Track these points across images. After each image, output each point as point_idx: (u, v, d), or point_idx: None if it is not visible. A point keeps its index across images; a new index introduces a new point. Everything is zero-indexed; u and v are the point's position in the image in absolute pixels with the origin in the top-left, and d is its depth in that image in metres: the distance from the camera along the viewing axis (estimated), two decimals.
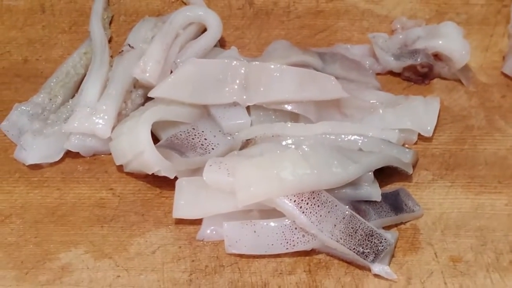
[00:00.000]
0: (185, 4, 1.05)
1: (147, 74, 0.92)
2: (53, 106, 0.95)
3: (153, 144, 0.87)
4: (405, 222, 0.88)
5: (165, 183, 0.89)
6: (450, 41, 0.97)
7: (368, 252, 0.82)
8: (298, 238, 0.84)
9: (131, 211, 0.89)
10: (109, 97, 0.92)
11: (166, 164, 0.88)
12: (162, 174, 0.88)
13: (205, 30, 0.98)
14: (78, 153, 0.92)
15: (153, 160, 0.87)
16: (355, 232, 0.83)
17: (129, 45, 0.96)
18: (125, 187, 0.91)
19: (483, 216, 0.88)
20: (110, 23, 1.04)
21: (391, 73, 0.99)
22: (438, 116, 0.94)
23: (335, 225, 0.83)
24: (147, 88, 0.93)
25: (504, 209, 0.89)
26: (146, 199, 0.90)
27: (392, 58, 0.97)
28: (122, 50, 0.96)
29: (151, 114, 0.89)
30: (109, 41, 1.01)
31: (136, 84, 0.94)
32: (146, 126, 0.88)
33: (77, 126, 0.90)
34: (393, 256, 0.85)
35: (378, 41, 0.99)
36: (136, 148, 0.87)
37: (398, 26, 1.02)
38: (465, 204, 0.89)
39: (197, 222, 0.87)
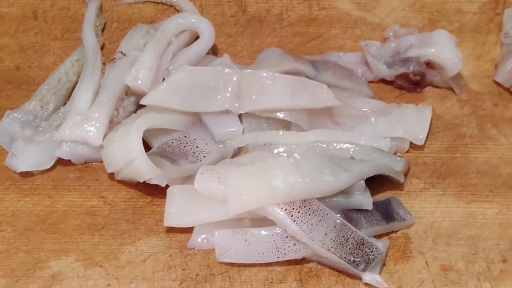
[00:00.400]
0: (178, 11, 1.05)
1: (139, 82, 0.92)
2: (45, 113, 0.94)
3: (144, 152, 0.87)
4: (397, 231, 0.88)
5: (157, 191, 0.89)
6: (443, 49, 0.97)
7: (359, 261, 0.82)
8: (289, 246, 0.84)
9: (122, 219, 0.89)
10: (101, 104, 0.92)
11: (158, 172, 0.87)
12: (154, 182, 0.88)
13: (197, 37, 0.98)
14: (69, 160, 0.92)
15: (144, 168, 0.87)
16: (346, 241, 0.83)
17: (121, 52, 0.96)
18: (116, 195, 0.91)
19: (475, 225, 0.88)
20: (103, 30, 1.03)
21: (384, 81, 0.99)
22: (430, 125, 0.94)
23: (326, 234, 0.83)
24: (139, 95, 0.93)
25: (495, 218, 0.89)
26: (137, 207, 0.90)
27: (385, 66, 0.97)
28: (114, 58, 0.95)
29: (142, 121, 0.89)
30: (102, 48, 1.01)
31: (128, 92, 0.94)
32: (138, 134, 0.88)
33: (68, 134, 0.90)
34: (384, 265, 0.85)
35: (371, 49, 0.99)
36: (127, 155, 0.87)
37: (391, 34, 1.02)
38: (456, 213, 0.89)
39: (188, 230, 0.87)
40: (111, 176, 0.91)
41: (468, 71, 1.00)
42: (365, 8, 1.05)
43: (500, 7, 1.05)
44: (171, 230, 0.87)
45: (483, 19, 1.04)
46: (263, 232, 0.84)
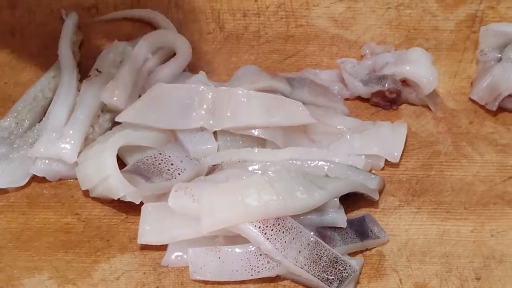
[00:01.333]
0: (155, 28, 1.04)
1: (115, 99, 0.92)
2: (20, 130, 0.94)
3: (118, 169, 0.87)
4: (371, 248, 0.88)
5: (131, 209, 0.89)
6: (418, 67, 0.97)
7: (333, 278, 0.82)
8: (262, 264, 0.84)
9: (96, 237, 0.88)
10: (76, 121, 0.92)
11: (132, 189, 0.87)
12: (128, 199, 0.88)
13: (174, 54, 0.98)
14: (44, 177, 0.92)
15: (118, 185, 0.87)
16: (320, 259, 0.83)
17: (97, 69, 0.96)
18: (91, 212, 0.90)
19: (449, 242, 0.88)
20: (80, 46, 1.03)
21: (360, 98, 0.99)
22: (406, 142, 0.95)
23: (299, 252, 0.83)
24: (115, 112, 0.93)
25: (469, 236, 0.89)
26: (111, 224, 0.90)
27: (361, 84, 0.97)
28: (90, 75, 0.95)
29: (117, 139, 0.89)
30: (78, 65, 1.00)
31: (103, 109, 0.94)
32: (112, 151, 0.88)
33: (43, 151, 0.90)
34: (358, 282, 0.85)
35: (347, 66, 0.99)
36: (101, 173, 0.87)
37: (367, 51, 1.02)
38: (431, 231, 0.89)
39: (162, 248, 0.87)
40: (86, 193, 0.91)
41: (444, 88, 1.00)
42: (342, 26, 1.05)
43: (476, 25, 1.05)
44: (145, 247, 0.87)
45: (460, 37, 1.04)
46: (237, 250, 0.84)
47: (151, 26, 1.05)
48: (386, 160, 0.93)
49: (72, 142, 0.90)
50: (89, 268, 0.86)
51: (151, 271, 0.86)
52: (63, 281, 0.85)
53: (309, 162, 0.90)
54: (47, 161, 0.91)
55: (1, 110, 0.97)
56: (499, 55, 1.00)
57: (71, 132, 0.91)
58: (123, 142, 0.89)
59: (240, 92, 0.91)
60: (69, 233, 0.89)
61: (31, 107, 0.96)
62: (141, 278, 0.86)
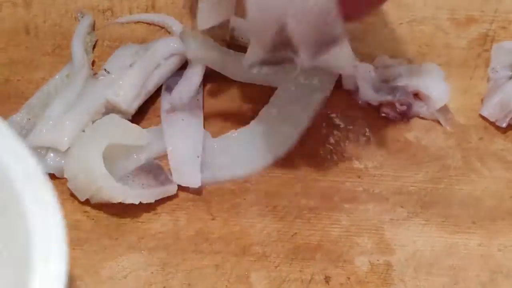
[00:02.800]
0: (169, 33, 1.05)
1: (119, 98, 0.92)
2: (32, 126, 0.94)
3: (109, 176, 0.87)
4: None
5: (141, 208, 0.89)
6: (430, 82, 0.98)
7: None
8: None
9: (105, 235, 0.88)
10: (75, 113, 0.91)
11: (128, 193, 0.88)
12: (128, 202, 0.88)
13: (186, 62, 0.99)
14: (53, 174, 0.92)
15: (113, 193, 0.87)
16: None
17: (105, 69, 0.96)
18: (100, 210, 0.90)
19: (456, 255, 0.89)
20: (94, 47, 1.04)
21: (371, 109, 0.99)
22: (416, 155, 0.95)
23: None
24: (119, 112, 0.93)
25: (477, 250, 0.89)
26: (120, 223, 0.89)
27: (372, 91, 0.97)
28: (96, 73, 0.96)
29: (98, 144, 0.89)
30: (92, 64, 1.01)
31: (108, 107, 0.94)
32: (99, 159, 0.87)
33: (38, 140, 0.90)
34: None
35: (361, 70, 0.98)
36: (93, 185, 0.87)
37: (380, 64, 1.02)
38: (438, 243, 0.89)
39: (171, 248, 0.87)
40: None
41: (455, 104, 1.00)
42: (356, 38, 1.06)
43: (488, 44, 1.06)
44: (153, 247, 0.87)
45: (471, 54, 1.05)
46: None
47: (165, 30, 1.06)
48: (396, 171, 0.94)
49: (65, 131, 0.90)
50: (97, 266, 0.86)
51: (159, 271, 0.86)
52: (70, 277, 0.85)
53: None
54: (56, 157, 0.91)
55: (14, 106, 0.97)
56: (511, 73, 1.01)
57: (67, 122, 0.91)
58: (106, 144, 0.89)
59: None
60: (78, 230, 0.89)
61: (44, 104, 0.96)
62: (149, 277, 0.85)
